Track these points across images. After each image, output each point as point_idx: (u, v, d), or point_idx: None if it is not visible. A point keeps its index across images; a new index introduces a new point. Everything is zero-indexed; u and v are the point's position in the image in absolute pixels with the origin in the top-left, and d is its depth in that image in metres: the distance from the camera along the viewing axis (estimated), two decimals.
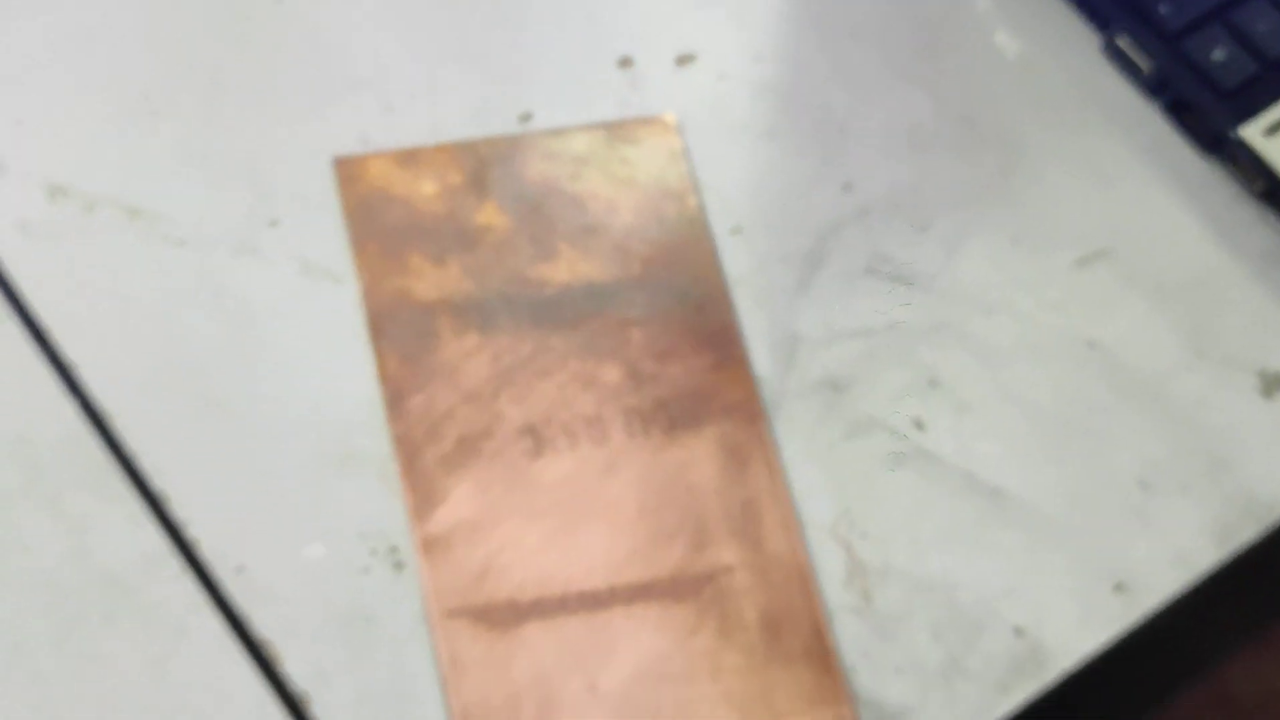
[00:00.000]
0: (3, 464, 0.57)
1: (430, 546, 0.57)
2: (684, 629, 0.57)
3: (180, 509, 0.57)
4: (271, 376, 0.60)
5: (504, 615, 0.56)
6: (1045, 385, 0.62)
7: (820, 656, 0.57)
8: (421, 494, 0.58)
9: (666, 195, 0.65)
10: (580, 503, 0.59)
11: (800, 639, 0.57)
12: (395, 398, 0.60)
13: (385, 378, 0.60)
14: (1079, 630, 0.58)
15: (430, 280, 0.62)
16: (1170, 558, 0.60)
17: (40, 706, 0.54)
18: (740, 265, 0.64)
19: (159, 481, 0.57)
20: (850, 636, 0.58)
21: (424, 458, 0.59)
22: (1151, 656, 0.65)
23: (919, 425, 0.61)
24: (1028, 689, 0.57)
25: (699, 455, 0.60)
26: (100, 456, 0.58)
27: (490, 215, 0.64)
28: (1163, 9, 0.68)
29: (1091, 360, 0.63)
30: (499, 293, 0.62)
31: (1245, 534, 0.61)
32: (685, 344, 0.62)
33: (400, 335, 0.61)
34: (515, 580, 0.57)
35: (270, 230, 0.62)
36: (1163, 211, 0.67)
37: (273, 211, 0.63)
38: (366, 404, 0.59)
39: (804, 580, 0.58)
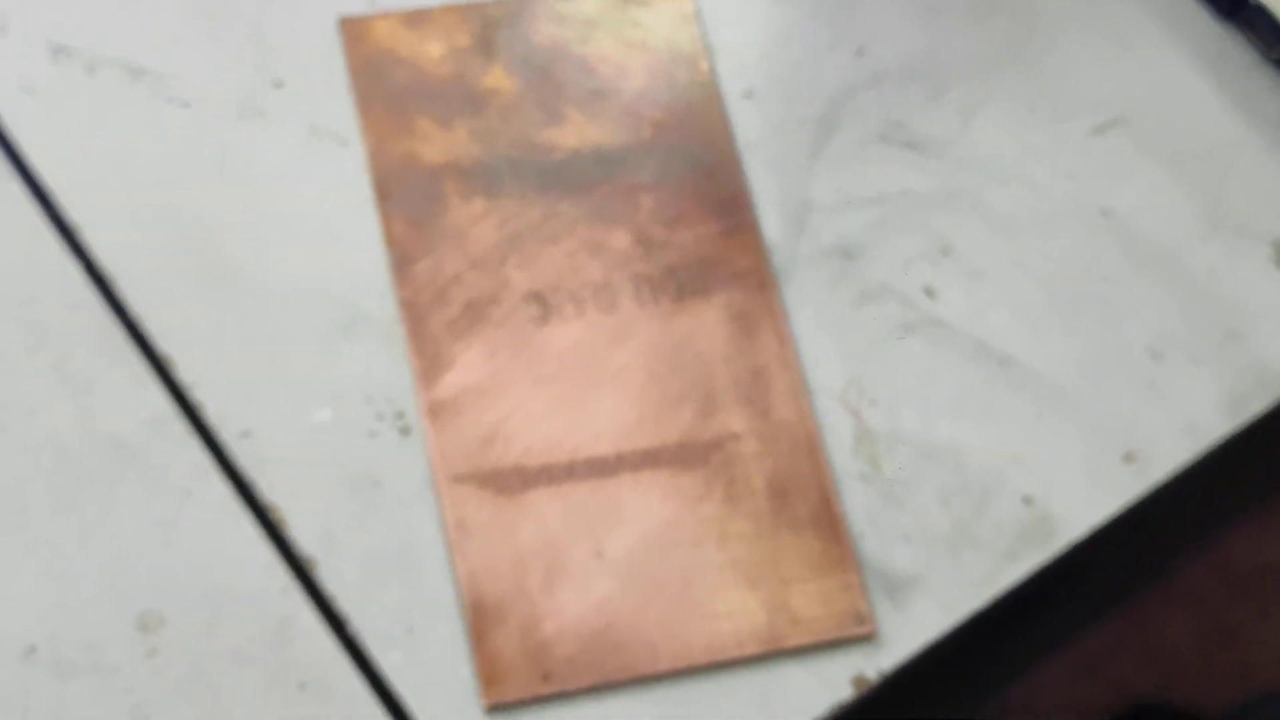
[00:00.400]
0: (9, 327, 0.57)
1: (437, 411, 0.57)
2: (691, 496, 0.57)
3: (186, 372, 0.57)
4: (277, 239, 0.59)
5: (510, 481, 0.56)
6: (1058, 254, 0.62)
7: (828, 523, 0.57)
8: (428, 359, 0.58)
9: (678, 59, 0.64)
10: (588, 370, 0.58)
11: (808, 506, 0.57)
12: (402, 262, 0.59)
13: (392, 242, 0.59)
14: (1088, 499, 0.58)
15: (437, 144, 0.61)
16: (1180, 428, 0.60)
17: (47, 568, 0.54)
18: (752, 130, 0.63)
19: (164, 344, 0.57)
20: (858, 504, 0.58)
21: (430, 323, 0.58)
22: (1154, 526, 0.65)
23: (930, 293, 0.61)
24: (1036, 558, 0.57)
25: (708, 322, 0.59)
26: (105, 319, 0.57)
27: (498, 78, 0.63)
28: None
29: (1105, 229, 0.62)
30: (506, 157, 0.61)
31: (1256, 405, 0.60)
32: (695, 210, 0.61)
33: (407, 199, 0.60)
34: (522, 446, 0.57)
35: (275, 92, 0.61)
36: (1179, 79, 0.66)
37: (278, 73, 0.62)
38: (373, 268, 0.59)
39: (812, 447, 0.58)
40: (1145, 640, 1.62)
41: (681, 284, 0.60)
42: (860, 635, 0.56)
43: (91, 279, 0.58)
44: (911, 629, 0.56)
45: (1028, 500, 0.58)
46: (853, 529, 0.57)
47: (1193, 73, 0.66)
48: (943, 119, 0.64)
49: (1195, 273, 0.62)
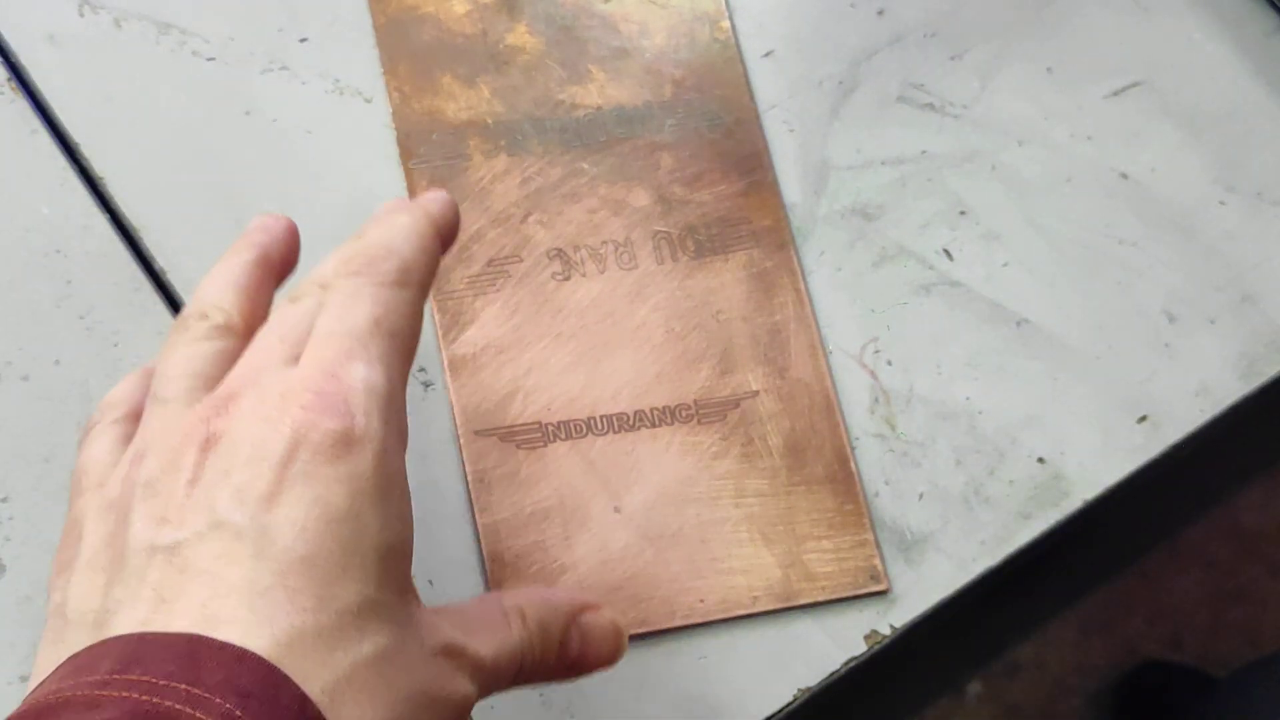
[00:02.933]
0: (36, 277, 0.58)
1: (458, 367, 0.58)
2: (708, 453, 0.57)
3: None
4: (302, 195, 0.60)
5: (531, 436, 0.57)
6: (1075, 216, 0.62)
7: (844, 482, 0.57)
8: (450, 315, 0.59)
9: (699, 18, 0.64)
10: (607, 327, 0.59)
11: (824, 464, 0.58)
12: None
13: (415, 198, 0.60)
14: (1102, 460, 0.59)
15: (461, 101, 0.62)
16: (1195, 390, 0.60)
17: None
18: (772, 90, 0.63)
19: (189, 297, 0.57)
20: (874, 462, 0.58)
21: (452, 279, 0.59)
22: (1164, 487, 0.65)
23: (948, 254, 0.61)
24: (1049, 518, 0.58)
25: (726, 281, 0.60)
26: (132, 270, 0.58)
27: (521, 36, 0.63)
28: None
29: (1122, 192, 0.63)
30: (529, 115, 0.62)
31: (1270, 368, 0.61)
32: (715, 169, 0.62)
33: (430, 156, 0.61)
34: (542, 402, 0.58)
35: (300, 47, 0.62)
36: (1199, 43, 0.66)
37: (304, 28, 0.62)
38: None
39: (829, 406, 0.58)
40: (1155, 600, 1.63)
41: (700, 242, 0.60)
42: (875, 592, 0.56)
43: (118, 231, 0.58)
44: (925, 586, 0.57)
45: (1042, 461, 0.58)
46: (868, 488, 0.58)
47: (1212, 37, 0.66)
48: (962, 80, 0.64)
49: (1212, 236, 0.62)
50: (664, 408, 0.58)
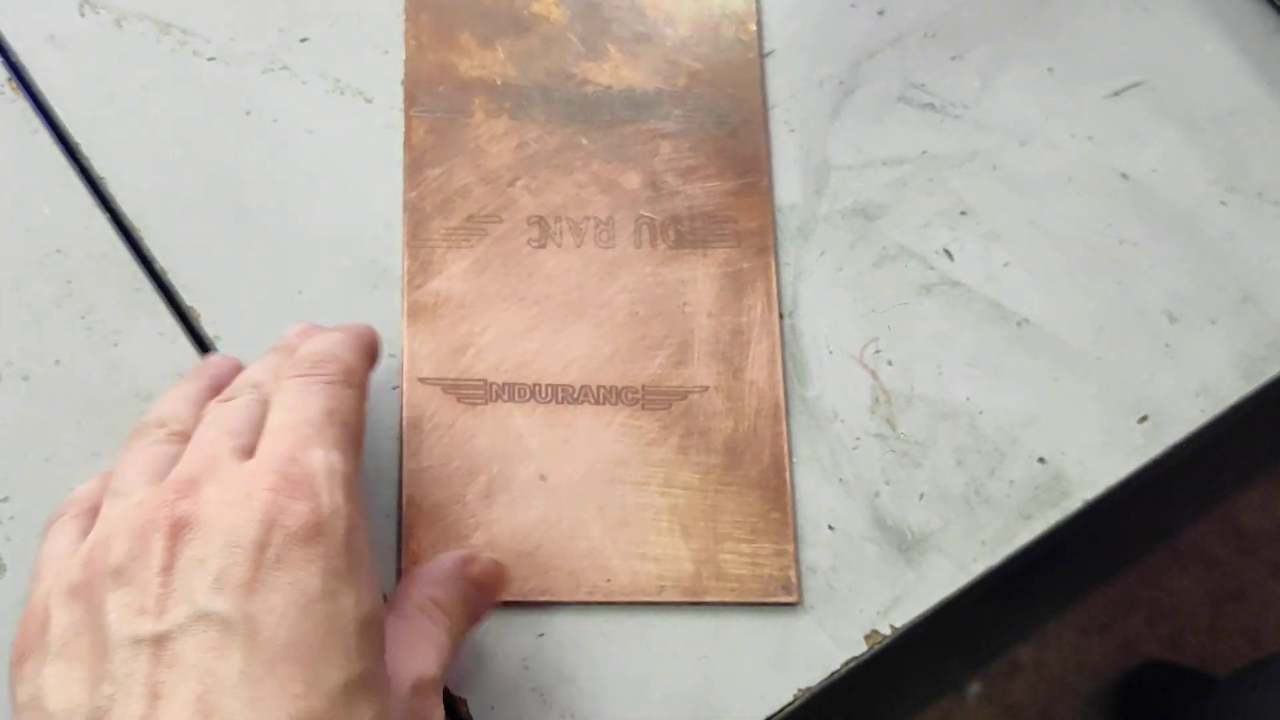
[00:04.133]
0: (37, 278, 0.58)
1: (416, 313, 0.58)
2: (646, 438, 0.57)
3: (210, 325, 0.57)
4: (302, 195, 0.60)
5: (473, 391, 0.57)
6: (1076, 216, 0.62)
7: (776, 490, 0.57)
8: (419, 262, 0.59)
9: (727, 16, 0.64)
10: (572, 299, 0.59)
11: (759, 469, 0.58)
12: (414, 166, 0.60)
13: (409, 146, 0.61)
14: (1102, 461, 0.59)
15: (475, 59, 0.62)
16: (1195, 390, 0.60)
17: None
18: (773, 90, 0.63)
19: (189, 298, 0.57)
20: (874, 462, 0.58)
21: (430, 228, 0.59)
22: (1165, 487, 0.65)
23: (948, 254, 0.61)
24: (1050, 518, 0.58)
25: (700, 275, 0.60)
26: (132, 271, 0.58)
27: (547, 6, 0.63)
28: None
29: (1123, 191, 0.63)
30: (539, 84, 0.62)
31: (1271, 368, 0.61)
32: (712, 165, 0.62)
33: (433, 106, 0.61)
34: (492, 361, 0.58)
35: (301, 47, 0.62)
36: (1199, 44, 0.66)
37: (304, 28, 0.62)
38: (390, 225, 0.59)
39: (776, 413, 0.58)
40: (1155, 600, 1.63)
41: (682, 233, 0.60)
42: (784, 603, 0.56)
43: (119, 231, 0.58)
44: (925, 586, 0.57)
45: (1042, 461, 0.58)
46: (868, 487, 0.58)
47: (1213, 38, 0.66)
48: (963, 80, 0.64)
49: (1213, 236, 0.62)
50: (611, 387, 0.58)
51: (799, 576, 0.56)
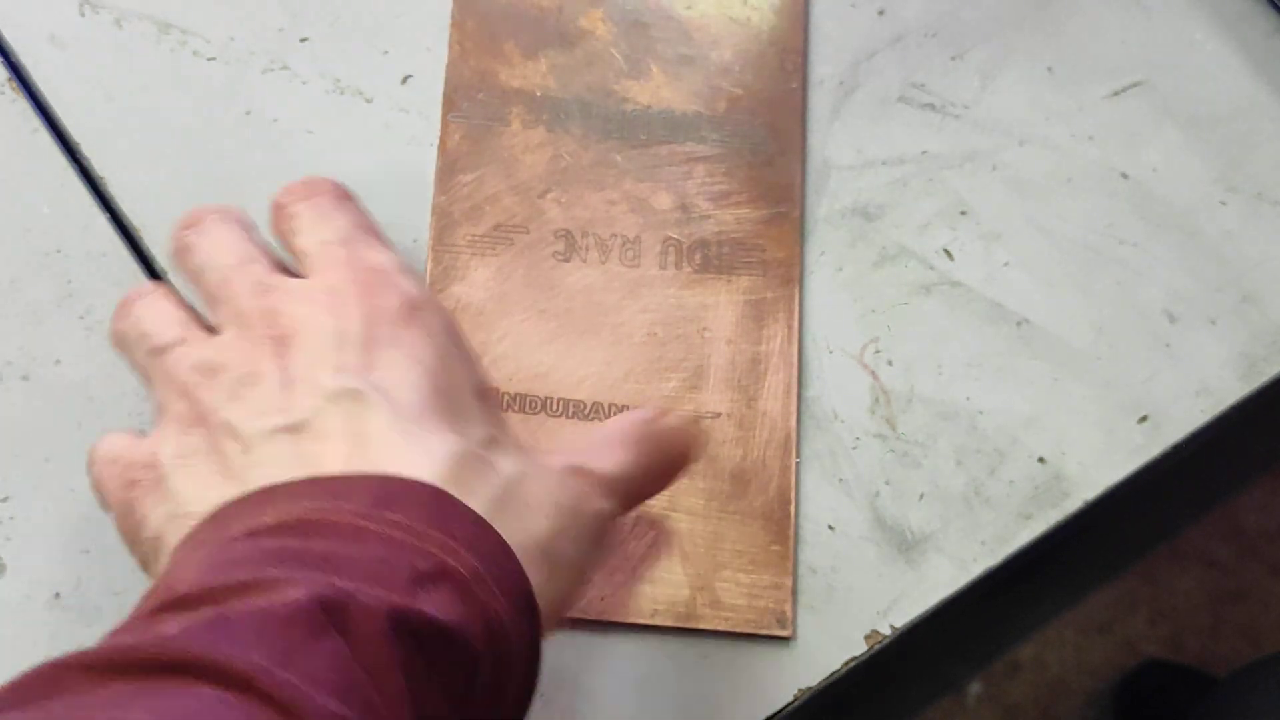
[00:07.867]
0: (37, 277, 0.58)
1: None
2: None
3: None
4: None
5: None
6: (1076, 216, 0.62)
7: (779, 522, 0.57)
8: (443, 266, 0.59)
9: (774, 44, 0.63)
10: (592, 316, 0.59)
11: (764, 500, 0.57)
12: (446, 171, 0.60)
13: (444, 150, 0.61)
14: (1102, 461, 0.59)
15: (517, 69, 0.62)
16: (1195, 390, 0.60)
17: (75, 519, 0.55)
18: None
19: (189, 298, 0.57)
20: (874, 462, 0.58)
21: (457, 233, 0.59)
22: (1165, 487, 0.65)
23: (948, 254, 0.61)
24: (1050, 518, 0.58)
25: (723, 301, 0.60)
26: (132, 270, 0.58)
27: (594, 22, 0.63)
28: None
29: (1123, 192, 0.63)
30: (579, 98, 0.62)
31: (1271, 368, 0.61)
32: (745, 192, 0.61)
33: (471, 113, 0.61)
34: (506, 371, 0.58)
35: (301, 47, 0.62)
36: (1199, 43, 0.66)
37: (304, 28, 0.62)
38: (391, 226, 0.59)
39: (787, 446, 0.58)
40: (1155, 600, 1.63)
41: (708, 258, 0.60)
42: (778, 636, 0.56)
43: (118, 231, 0.58)
44: (925, 586, 0.57)
45: (1042, 461, 0.58)
46: (868, 487, 0.58)
47: (1213, 38, 0.66)
48: (962, 80, 0.64)
49: (1213, 236, 0.62)
50: (624, 406, 0.58)
51: (794, 612, 0.56)
